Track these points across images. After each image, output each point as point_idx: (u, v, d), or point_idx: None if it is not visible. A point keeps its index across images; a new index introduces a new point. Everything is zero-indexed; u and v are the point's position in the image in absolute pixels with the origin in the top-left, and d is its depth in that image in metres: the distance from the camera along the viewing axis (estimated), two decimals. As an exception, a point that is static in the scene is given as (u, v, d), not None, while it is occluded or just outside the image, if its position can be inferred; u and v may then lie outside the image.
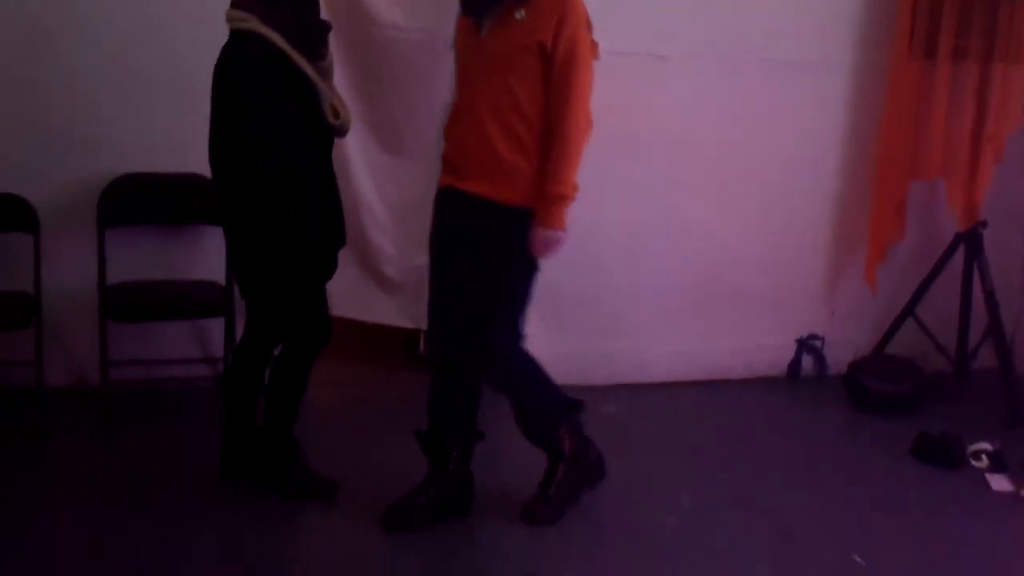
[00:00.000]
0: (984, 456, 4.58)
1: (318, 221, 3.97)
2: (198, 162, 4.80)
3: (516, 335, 3.89)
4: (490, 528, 3.94)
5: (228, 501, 4.07)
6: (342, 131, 4.00)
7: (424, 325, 5.38)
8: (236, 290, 4.70)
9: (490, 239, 3.79)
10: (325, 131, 3.94)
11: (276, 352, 4.11)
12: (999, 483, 4.45)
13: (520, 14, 3.67)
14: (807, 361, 5.53)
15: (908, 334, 5.42)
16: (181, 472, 4.30)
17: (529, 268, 3.83)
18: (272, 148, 3.78)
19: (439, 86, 5.00)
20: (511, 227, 3.76)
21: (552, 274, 3.94)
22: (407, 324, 5.37)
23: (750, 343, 5.42)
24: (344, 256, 5.22)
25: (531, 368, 3.96)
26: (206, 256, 4.91)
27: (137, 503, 4.04)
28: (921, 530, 4.12)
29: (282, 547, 3.87)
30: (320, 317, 4.13)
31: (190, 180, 4.81)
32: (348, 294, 5.25)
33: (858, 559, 3.86)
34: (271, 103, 3.77)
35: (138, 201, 4.85)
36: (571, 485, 4.04)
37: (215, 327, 4.91)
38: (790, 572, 3.83)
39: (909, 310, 5.40)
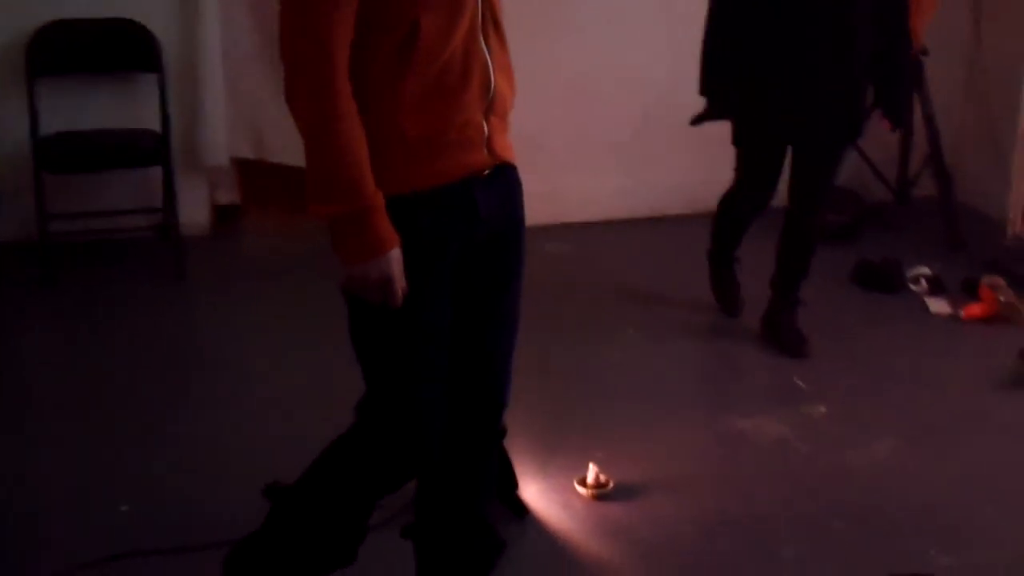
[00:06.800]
0: (923, 280, 4.66)
1: None
2: (126, 6, 4.70)
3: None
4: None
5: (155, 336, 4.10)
6: None
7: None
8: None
9: None
10: None
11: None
12: (938, 306, 4.53)
13: None
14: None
15: (849, 164, 5.44)
16: (127, 320, 4.35)
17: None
18: None
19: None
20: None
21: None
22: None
23: (691, 179, 5.42)
24: (281, 101, 5.15)
25: None
26: (139, 104, 4.82)
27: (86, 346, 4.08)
28: (861, 353, 4.21)
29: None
30: None
31: (120, 25, 4.71)
32: (286, 141, 5.13)
33: (799, 382, 3.95)
34: None
35: (68, 49, 4.72)
36: None
37: (153, 177, 4.84)
38: (732, 397, 3.91)
39: (850, 140, 5.41)
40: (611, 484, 3.28)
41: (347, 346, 4.12)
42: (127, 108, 4.84)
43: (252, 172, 5.41)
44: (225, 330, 4.39)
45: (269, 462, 3.40)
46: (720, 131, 4.12)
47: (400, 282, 2.13)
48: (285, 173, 5.35)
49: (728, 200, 4.29)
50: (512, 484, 3.18)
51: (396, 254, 2.11)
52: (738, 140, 4.07)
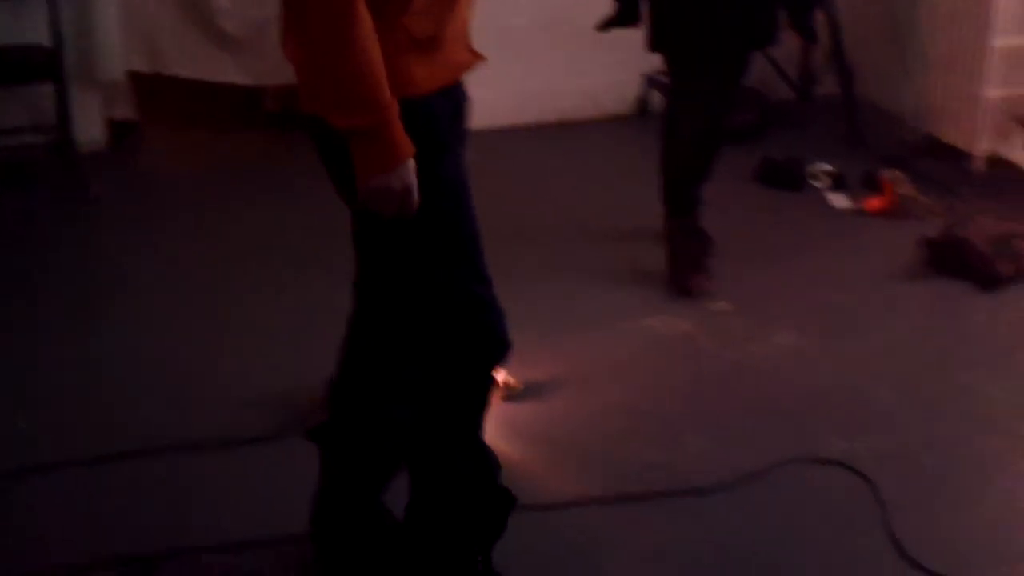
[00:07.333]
0: (825, 176, 4.71)
1: None
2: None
3: None
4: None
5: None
6: None
7: (267, 80, 5.27)
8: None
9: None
10: None
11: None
12: (839, 201, 4.59)
13: None
14: (654, 96, 5.55)
15: (753, 63, 5.44)
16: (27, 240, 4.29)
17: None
18: None
19: None
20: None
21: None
22: (248, 81, 5.23)
23: (598, 81, 5.41)
24: (177, 13, 5.06)
25: None
26: (27, 17, 4.65)
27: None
28: (765, 250, 4.25)
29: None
30: None
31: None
32: (183, 53, 5.09)
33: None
34: None
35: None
36: None
37: (45, 93, 4.70)
38: (638, 297, 3.93)
39: (753, 40, 5.41)
40: (520, 386, 3.30)
41: (248, 260, 4.12)
42: (14, 22, 4.67)
43: (148, 86, 5.30)
44: (127, 248, 4.31)
45: (177, 377, 3.42)
46: (629, 36, 4.08)
47: (416, 190, 2.09)
48: (182, 87, 5.27)
49: (669, 120, 4.12)
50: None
51: (412, 162, 2.07)
52: (653, 45, 4.03)
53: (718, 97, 4.00)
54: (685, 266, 3.95)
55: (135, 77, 5.17)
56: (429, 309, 2.29)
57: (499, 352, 2.36)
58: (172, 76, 5.17)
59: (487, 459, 2.46)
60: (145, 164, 5.16)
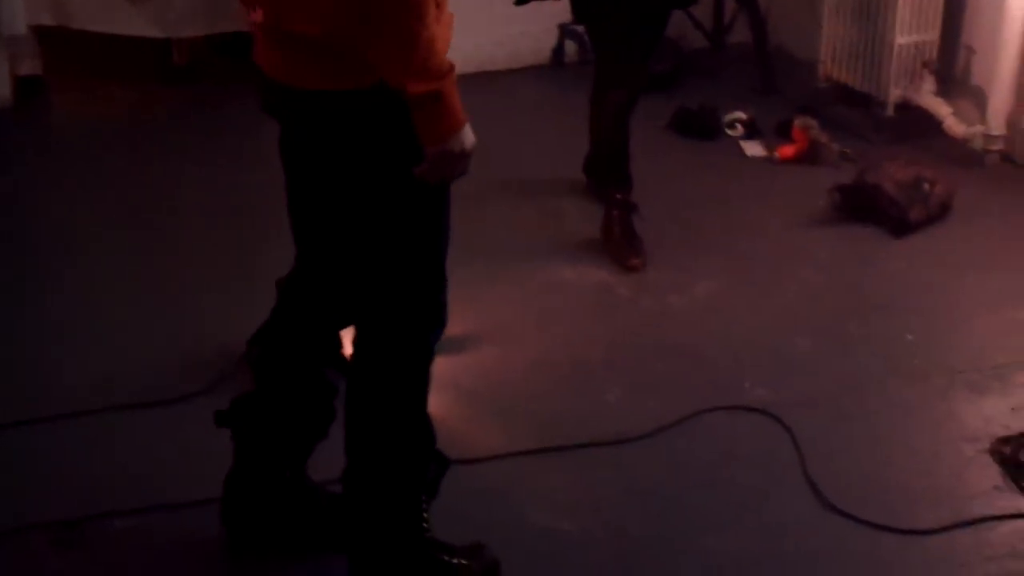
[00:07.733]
0: (739, 125, 4.74)
1: None
2: None
3: None
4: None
5: None
6: None
7: (176, 32, 5.16)
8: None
9: None
10: None
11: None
12: (752, 149, 4.63)
13: None
14: (570, 46, 5.54)
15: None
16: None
17: None
18: None
19: None
20: None
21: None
22: (156, 34, 5.12)
23: (514, 31, 5.38)
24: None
25: None
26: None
27: None
28: (681, 199, 4.27)
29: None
30: None
31: None
32: (89, 6, 4.98)
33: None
34: None
35: None
36: None
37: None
38: (556, 248, 3.93)
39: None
40: (436, 339, 3.29)
41: (162, 216, 4.05)
42: None
43: (53, 41, 5.18)
44: (37, 207, 4.23)
45: (96, 336, 3.40)
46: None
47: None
48: (88, 40, 5.15)
49: (596, 93, 4.08)
50: (336, 343, 3.16)
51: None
52: (577, 17, 4.01)
53: (641, 61, 4.01)
54: (626, 241, 3.90)
55: (40, 31, 5.04)
56: (413, 282, 2.33)
57: (442, 329, 2.44)
58: (78, 30, 5.06)
59: (428, 429, 2.46)
60: (53, 120, 5.05)
